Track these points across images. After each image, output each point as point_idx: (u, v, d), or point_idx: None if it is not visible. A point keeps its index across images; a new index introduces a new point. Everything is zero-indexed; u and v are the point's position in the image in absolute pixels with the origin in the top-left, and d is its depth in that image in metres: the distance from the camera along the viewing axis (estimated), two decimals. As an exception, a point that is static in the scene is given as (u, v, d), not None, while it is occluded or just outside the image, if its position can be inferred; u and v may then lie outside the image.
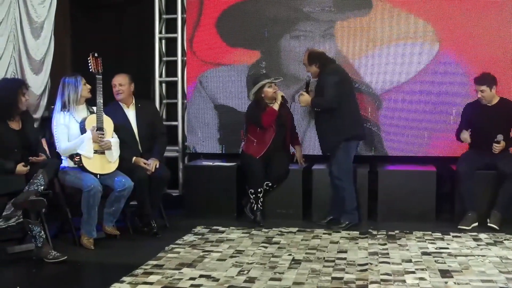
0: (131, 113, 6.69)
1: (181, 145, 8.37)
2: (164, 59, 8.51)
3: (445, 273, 5.07)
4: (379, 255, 5.64)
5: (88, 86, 6.15)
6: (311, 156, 7.65)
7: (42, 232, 5.55)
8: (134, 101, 6.75)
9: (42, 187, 5.54)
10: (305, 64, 6.92)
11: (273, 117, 7.01)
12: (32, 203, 5.43)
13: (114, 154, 6.15)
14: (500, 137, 6.62)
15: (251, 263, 5.39)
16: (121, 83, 6.63)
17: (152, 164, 6.53)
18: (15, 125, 5.74)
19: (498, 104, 6.81)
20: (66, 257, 5.50)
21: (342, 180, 6.78)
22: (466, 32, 7.38)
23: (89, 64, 6.20)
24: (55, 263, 5.45)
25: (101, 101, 6.07)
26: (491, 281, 4.87)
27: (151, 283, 4.85)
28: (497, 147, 6.64)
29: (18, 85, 5.76)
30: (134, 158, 6.52)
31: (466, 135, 6.81)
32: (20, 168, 5.54)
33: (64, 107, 6.06)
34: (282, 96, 7.10)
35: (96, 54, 6.23)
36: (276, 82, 7.12)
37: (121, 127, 6.43)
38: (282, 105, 7.12)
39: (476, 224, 6.66)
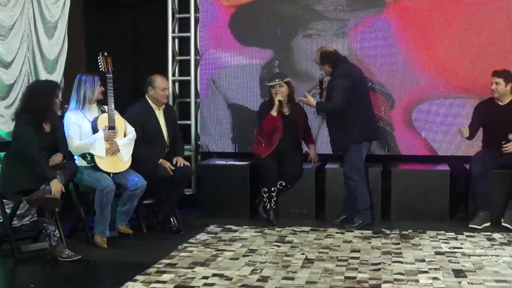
0: (161, 116, 6.72)
1: (194, 144, 8.38)
2: (177, 58, 8.52)
3: (459, 273, 5.04)
4: (392, 255, 5.62)
5: (102, 88, 6.14)
6: (324, 155, 7.64)
7: (57, 231, 5.57)
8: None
9: None
10: (318, 63, 6.91)
11: (272, 123, 7.02)
12: (47, 201, 5.46)
13: (124, 156, 6.15)
14: (511, 136, 6.59)
15: (264, 262, 5.39)
16: (167, 87, 6.76)
17: (180, 161, 6.63)
18: (47, 126, 5.75)
19: (510, 103, 6.76)
20: (80, 256, 5.53)
21: (354, 180, 6.75)
22: (485, 33, 7.36)
23: (99, 63, 6.19)
24: (69, 262, 5.47)
25: (112, 100, 6.08)
26: (505, 281, 4.84)
27: (164, 282, 4.86)
28: (506, 147, 6.59)
29: (52, 88, 5.77)
30: (161, 160, 6.55)
31: (465, 129, 6.79)
32: (55, 185, 5.54)
33: (78, 104, 6.06)
34: (294, 100, 7.10)
35: (106, 53, 6.23)
36: (281, 83, 7.06)
37: (153, 130, 6.51)
38: (295, 105, 7.13)
39: (488, 224, 6.63)
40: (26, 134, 5.55)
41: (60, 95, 5.88)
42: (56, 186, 5.52)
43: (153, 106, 6.68)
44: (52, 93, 5.72)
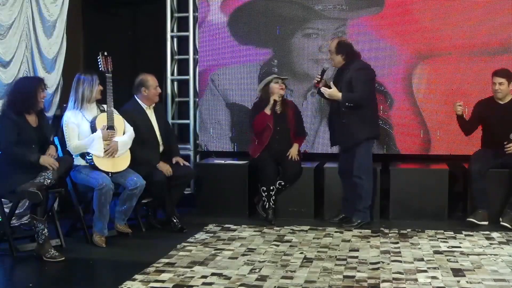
0: (152, 115, 6.70)
1: (193, 144, 8.38)
2: (176, 57, 8.52)
3: (458, 272, 5.05)
4: (391, 254, 5.62)
5: (101, 88, 6.15)
6: (322, 154, 7.64)
7: (45, 229, 5.54)
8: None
9: (49, 181, 5.53)
10: (331, 52, 6.75)
11: (263, 121, 7.04)
12: (28, 194, 5.45)
13: (120, 152, 6.15)
14: None
15: (263, 262, 5.39)
16: (158, 85, 6.71)
17: (180, 161, 6.75)
18: (33, 121, 5.73)
19: (510, 102, 6.76)
20: (63, 258, 5.50)
21: (362, 178, 6.70)
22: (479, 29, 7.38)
23: (99, 63, 6.21)
24: (53, 262, 5.45)
25: (112, 99, 6.08)
26: (503, 280, 4.84)
27: (163, 281, 4.86)
28: (509, 147, 6.58)
29: (37, 82, 5.77)
30: (160, 163, 6.55)
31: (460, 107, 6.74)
32: (45, 158, 5.57)
33: (76, 104, 6.06)
34: (282, 98, 7.12)
35: (106, 53, 6.24)
36: (283, 79, 7.10)
37: (146, 129, 6.50)
38: (286, 103, 7.15)
39: (486, 222, 6.61)
40: (2, 131, 5.57)
41: (45, 90, 5.86)
42: (46, 160, 5.56)
43: (144, 105, 6.66)
44: (36, 87, 5.70)
